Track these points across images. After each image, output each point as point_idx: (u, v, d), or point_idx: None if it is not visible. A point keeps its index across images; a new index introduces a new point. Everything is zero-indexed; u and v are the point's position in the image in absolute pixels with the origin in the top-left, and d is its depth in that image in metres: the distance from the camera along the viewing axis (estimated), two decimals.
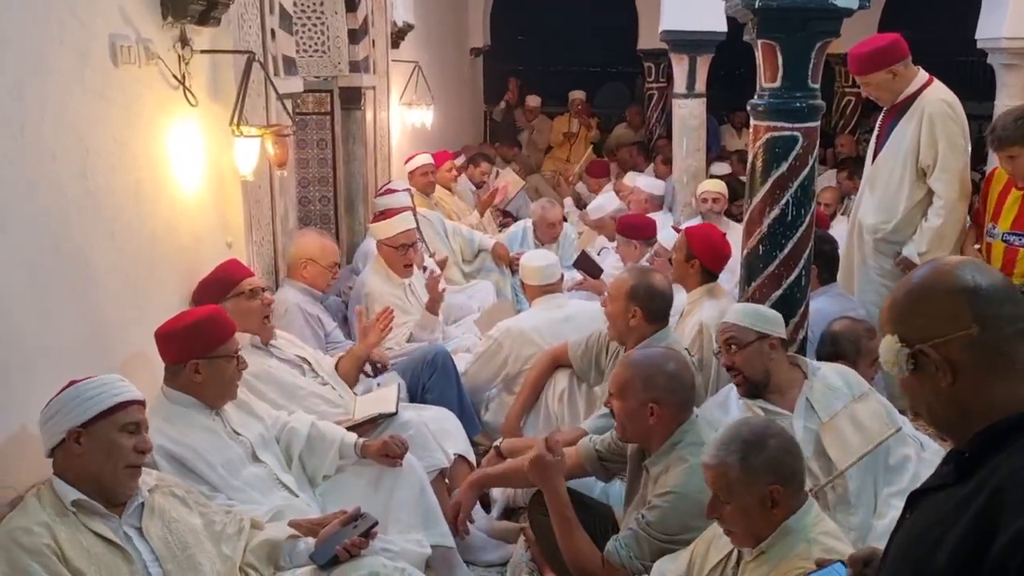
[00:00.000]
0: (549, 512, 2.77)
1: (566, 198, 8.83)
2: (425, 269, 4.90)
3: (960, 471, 1.39)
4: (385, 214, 4.76)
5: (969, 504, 1.31)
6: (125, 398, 2.24)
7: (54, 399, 2.21)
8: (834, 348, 3.50)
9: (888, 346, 1.44)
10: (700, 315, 3.84)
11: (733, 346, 3.04)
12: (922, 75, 4.16)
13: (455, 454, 3.57)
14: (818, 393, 3.02)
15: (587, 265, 5.53)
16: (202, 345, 2.73)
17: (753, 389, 3.04)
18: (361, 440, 3.11)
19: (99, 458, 2.19)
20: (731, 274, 5.44)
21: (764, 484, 2.11)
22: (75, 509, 2.15)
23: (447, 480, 3.53)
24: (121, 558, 2.16)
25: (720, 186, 6.28)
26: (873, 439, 2.92)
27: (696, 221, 6.13)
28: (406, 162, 6.68)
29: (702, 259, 3.96)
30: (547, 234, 6.29)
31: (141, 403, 2.31)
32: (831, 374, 3.09)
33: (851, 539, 2.87)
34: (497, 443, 3.51)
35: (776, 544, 2.11)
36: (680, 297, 3.95)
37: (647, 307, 3.43)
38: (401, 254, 4.58)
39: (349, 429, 3.22)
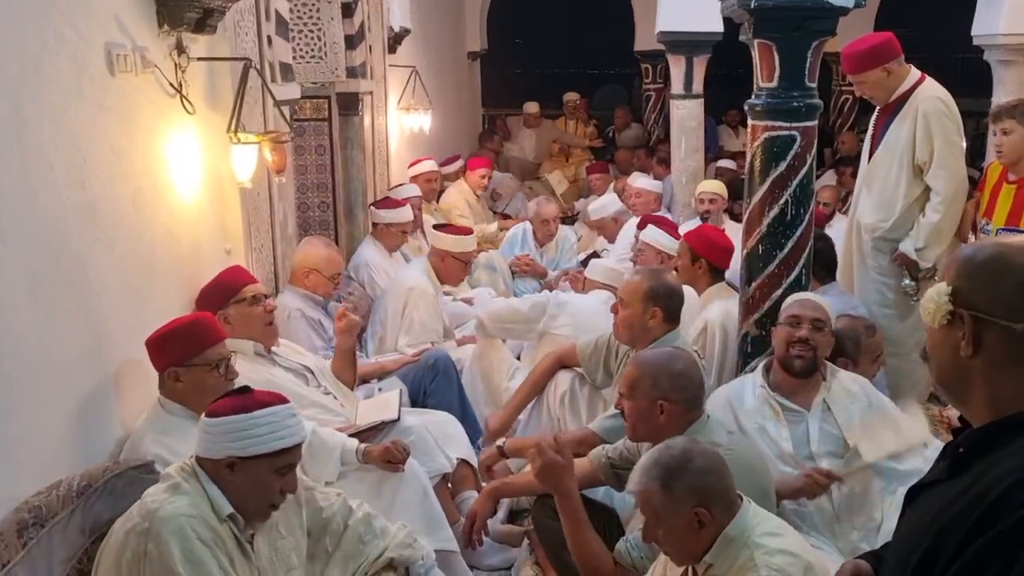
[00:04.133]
0: (560, 515, 2.72)
1: (577, 201, 8.87)
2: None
3: (952, 468, 1.39)
4: (448, 227, 4.99)
5: (957, 502, 1.31)
6: (290, 443, 2.24)
7: (223, 418, 2.19)
8: (835, 346, 3.50)
9: (938, 293, 1.40)
10: (706, 315, 3.87)
11: (823, 328, 3.12)
12: (915, 73, 4.17)
13: (458, 458, 3.56)
14: (836, 395, 3.07)
15: None
16: (179, 352, 2.69)
17: (811, 368, 3.08)
18: (363, 446, 3.11)
19: (246, 489, 2.20)
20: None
21: (688, 508, 2.10)
22: (228, 520, 2.20)
23: (450, 485, 3.53)
24: (249, 568, 2.22)
25: (718, 187, 6.28)
26: (902, 444, 2.99)
27: (695, 222, 6.14)
28: (410, 166, 6.70)
29: (708, 258, 4.09)
30: (541, 230, 6.29)
31: (301, 443, 2.31)
32: (848, 379, 3.14)
33: (855, 538, 2.90)
34: (500, 443, 3.51)
35: (721, 555, 2.10)
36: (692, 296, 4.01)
37: (667, 307, 3.41)
38: (463, 265, 4.86)
39: (351, 436, 3.21)
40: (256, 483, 2.21)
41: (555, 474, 2.71)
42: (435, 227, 5.03)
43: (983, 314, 1.35)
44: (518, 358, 4.58)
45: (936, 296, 1.40)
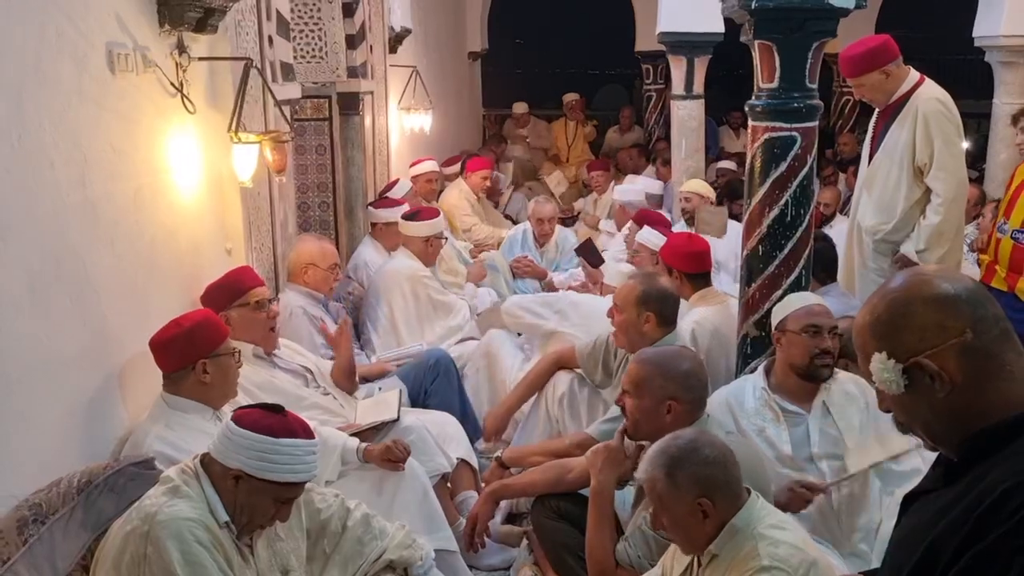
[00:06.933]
0: (590, 505, 2.72)
1: (577, 201, 8.87)
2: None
3: (948, 475, 1.39)
4: (420, 213, 5.04)
5: (953, 509, 1.32)
6: (300, 479, 2.24)
7: (248, 432, 2.17)
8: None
9: (881, 365, 1.41)
10: (690, 317, 3.88)
11: (836, 332, 3.12)
12: (913, 75, 4.16)
13: (457, 458, 3.57)
14: (835, 397, 3.07)
15: (588, 252, 5.51)
16: (207, 345, 2.73)
17: (829, 374, 3.09)
18: (363, 445, 3.11)
19: (241, 502, 2.21)
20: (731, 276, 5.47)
21: (691, 498, 2.11)
22: (223, 526, 2.20)
23: (449, 484, 3.53)
24: (248, 571, 2.23)
25: (699, 186, 6.28)
26: (893, 451, 2.96)
27: (680, 225, 6.15)
28: (411, 166, 6.71)
29: (679, 268, 4.09)
30: (538, 230, 6.31)
31: (309, 480, 2.32)
32: (847, 381, 3.13)
33: (855, 540, 2.90)
34: (498, 454, 3.51)
35: (726, 545, 2.11)
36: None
37: (660, 311, 3.41)
38: (440, 245, 5.05)
39: (351, 435, 3.21)
40: (253, 503, 2.21)
41: (611, 463, 2.71)
42: (404, 216, 5.08)
43: (932, 348, 1.37)
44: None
45: (883, 367, 1.41)
